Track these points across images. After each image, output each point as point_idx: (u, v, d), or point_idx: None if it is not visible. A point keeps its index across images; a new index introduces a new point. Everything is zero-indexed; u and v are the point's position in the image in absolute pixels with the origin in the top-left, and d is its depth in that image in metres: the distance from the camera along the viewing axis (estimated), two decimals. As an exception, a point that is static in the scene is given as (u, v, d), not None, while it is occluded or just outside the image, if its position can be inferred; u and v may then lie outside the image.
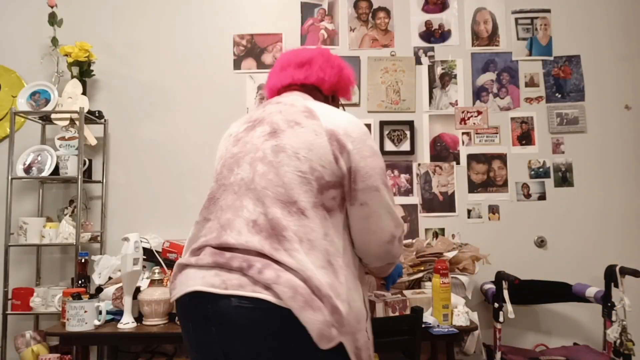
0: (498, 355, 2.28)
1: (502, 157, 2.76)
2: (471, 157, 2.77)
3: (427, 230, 2.71)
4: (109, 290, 2.12)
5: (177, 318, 1.22)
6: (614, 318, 2.20)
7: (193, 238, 1.26)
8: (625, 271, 2.20)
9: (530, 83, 2.81)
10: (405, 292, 2.10)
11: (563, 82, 2.80)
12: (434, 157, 2.77)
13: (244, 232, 1.13)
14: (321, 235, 1.13)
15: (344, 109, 1.41)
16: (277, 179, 1.15)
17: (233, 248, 1.13)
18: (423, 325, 1.82)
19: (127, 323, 1.95)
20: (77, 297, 1.95)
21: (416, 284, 2.26)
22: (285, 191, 1.14)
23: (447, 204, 2.73)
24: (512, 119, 2.79)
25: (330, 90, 1.41)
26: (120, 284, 2.07)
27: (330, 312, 1.06)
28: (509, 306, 2.13)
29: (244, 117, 1.34)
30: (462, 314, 1.98)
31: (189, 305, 1.15)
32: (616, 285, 2.23)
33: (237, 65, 2.82)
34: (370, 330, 1.21)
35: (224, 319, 1.08)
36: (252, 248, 1.10)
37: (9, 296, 2.42)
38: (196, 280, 1.13)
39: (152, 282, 2.05)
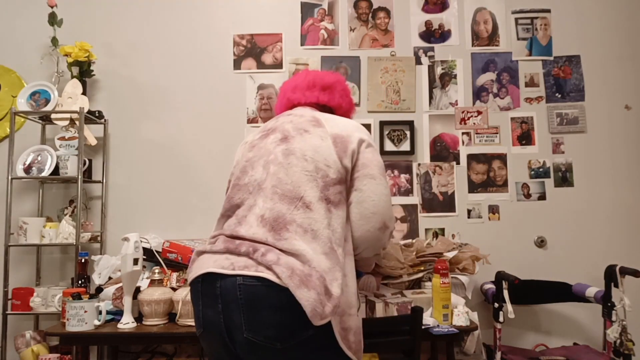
0: (498, 355, 2.28)
1: (502, 157, 2.76)
2: (471, 157, 2.77)
3: (427, 230, 2.71)
4: (109, 290, 2.12)
5: (191, 299, 1.42)
6: (614, 318, 2.20)
7: (213, 232, 1.44)
8: (625, 271, 2.20)
9: (530, 83, 2.81)
10: (405, 292, 2.10)
11: (563, 82, 2.80)
12: (434, 157, 2.77)
13: (253, 225, 1.31)
14: (324, 225, 1.29)
15: None
16: (287, 177, 1.33)
17: (243, 238, 1.31)
18: (423, 326, 1.82)
19: (127, 323, 1.95)
20: (77, 297, 1.95)
21: (416, 284, 2.26)
22: (293, 188, 1.32)
23: (447, 204, 2.73)
24: (512, 119, 2.79)
25: (341, 113, 1.66)
26: (120, 284, 2.07)
27: (323, 292, 1.20)
28: (509, 306, 2.13)
29: (261, 128, 1.54)
30: (462, 314, 1.98)
31: (202, 285, 1.31)
32: (616, 285, 2.22)
33: (237, 65, 2.82)
34: (360, 321, 1.33)
35: (229, 296, 1.24)
36: (257, 239, 1.28)
37: (9, 296, 2.42)
38: (209, 263, 1.31)
39: (152, 282, 2.05)
